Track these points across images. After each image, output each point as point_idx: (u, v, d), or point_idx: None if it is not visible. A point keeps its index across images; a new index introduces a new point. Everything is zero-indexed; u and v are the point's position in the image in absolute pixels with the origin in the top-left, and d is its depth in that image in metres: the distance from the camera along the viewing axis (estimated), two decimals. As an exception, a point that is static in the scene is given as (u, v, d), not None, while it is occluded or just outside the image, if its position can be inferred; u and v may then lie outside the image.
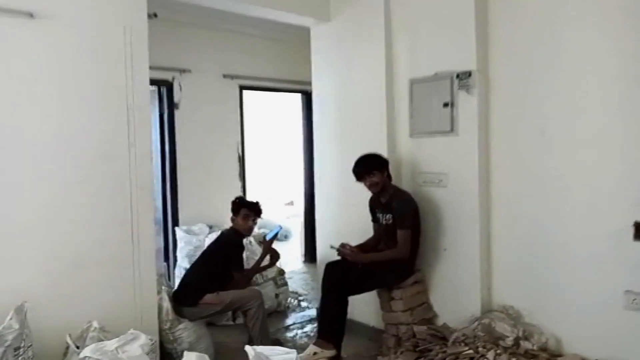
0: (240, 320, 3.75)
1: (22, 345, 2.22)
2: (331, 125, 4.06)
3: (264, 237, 3.93)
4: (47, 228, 2.64)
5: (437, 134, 3.40)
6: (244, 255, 3.74)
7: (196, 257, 3.83)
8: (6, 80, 2.51)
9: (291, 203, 8.17)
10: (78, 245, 2.73)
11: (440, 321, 3.42)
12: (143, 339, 2.25)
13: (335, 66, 3.99)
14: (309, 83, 4.29)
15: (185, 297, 3.33)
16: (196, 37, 5.07)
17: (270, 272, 4.31)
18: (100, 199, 2.80)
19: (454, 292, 3.37)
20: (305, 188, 6.18)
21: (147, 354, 2.24)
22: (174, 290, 3.45)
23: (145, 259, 2.95)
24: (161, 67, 4.62)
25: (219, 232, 4.06)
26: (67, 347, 2.39)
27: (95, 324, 2.47)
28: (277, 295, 4.42)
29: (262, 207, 3.68)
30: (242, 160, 5.52)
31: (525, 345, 2.86)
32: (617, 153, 2.74)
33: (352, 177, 3.34)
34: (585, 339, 2.85)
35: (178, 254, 4.78)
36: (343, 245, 3.35)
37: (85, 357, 2.16)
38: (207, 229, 4.84)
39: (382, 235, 3.43)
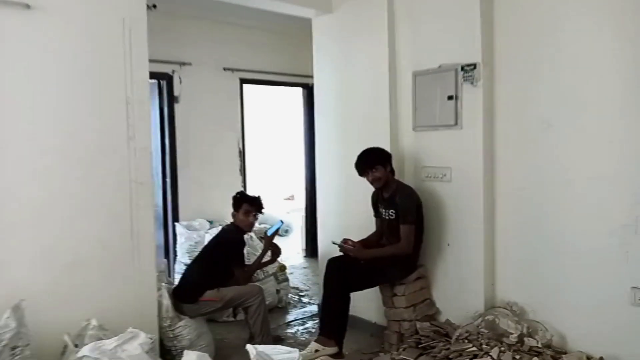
0: (241, 316, 3.72)
1: (19, 344, 2.19)
2: (333, 119, 4.01)
3: (265, 232, 3.89)
4: (44, 224, 2.60)
5: (441, 128, 3.36)
6: (245, 251, 3.71)
7: (196, 253, 3.80)
8: (1, 72, 2.45)
9: (292, 197, 8.16)
10: (76, 242, 2.69)
11: (443, 318, 3.39)
12: (142, 337, 2.24)
13: (337, 59, 3.94)
14: (310, 76, 4.25)
15: (186, 294, 3.30)
16: (196, 30, 5.03)
17: (271, 268, 4.28)
18: (99, 194, 2.76)
19: (458, 288, 3.34)
20: (307, 182, 6.15)
21: (147, 352, 2.22)
22: (173, 287, 3.42)
23: (145, 255, 2.91)
24: (161, 60, 4.58)
25: (219, 228, 4.03)
26: (66, 346, 2.36)
27: (93, 322, 2.45)
28: (278, 291, 4.40)
29: (264, 202, 3.64)
30: (242, 154, 5.48)
31: (529, 342, 2.83)
32: (624, 147, 2.69)
33: (354, 172, 3.30)
34: (590, 336, 2.81)
35: (178, 249, 4.76)
36: (345, 241, 3.32)
37: (84, 356, 2.14)
38: (207, 225, 4.82)
39: (385, 231, 3.40)
